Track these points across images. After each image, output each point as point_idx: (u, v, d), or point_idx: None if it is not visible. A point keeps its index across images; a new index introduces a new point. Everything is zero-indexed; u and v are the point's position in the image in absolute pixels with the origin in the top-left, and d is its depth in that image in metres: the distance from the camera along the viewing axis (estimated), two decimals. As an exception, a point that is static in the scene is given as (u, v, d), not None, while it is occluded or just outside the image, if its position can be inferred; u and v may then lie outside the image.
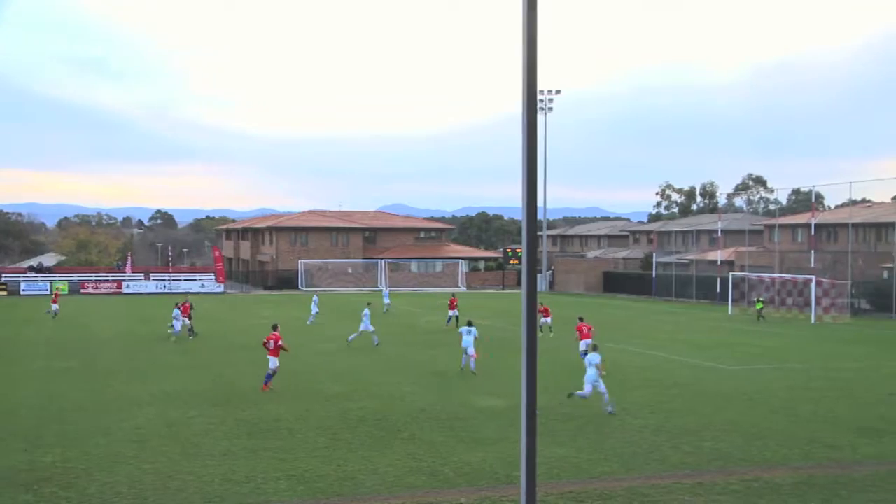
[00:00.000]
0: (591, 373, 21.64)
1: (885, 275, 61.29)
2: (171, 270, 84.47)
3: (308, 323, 46.61)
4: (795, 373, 29.55)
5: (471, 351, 28.84)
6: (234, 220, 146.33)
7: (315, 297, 50.47)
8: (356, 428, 19.84)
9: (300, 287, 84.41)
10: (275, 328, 26.33)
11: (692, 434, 19.40)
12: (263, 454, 17.33)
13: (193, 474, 15.76)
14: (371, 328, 36.19)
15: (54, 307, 51.35)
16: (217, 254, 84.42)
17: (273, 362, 25.15)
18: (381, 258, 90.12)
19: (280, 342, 25.39)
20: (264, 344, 25.72)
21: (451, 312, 46.17)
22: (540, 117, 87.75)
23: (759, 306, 52.90)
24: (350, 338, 36.62)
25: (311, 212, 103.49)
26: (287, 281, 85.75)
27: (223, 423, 20.33)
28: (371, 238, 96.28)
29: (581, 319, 32.68)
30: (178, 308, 39.38)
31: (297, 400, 23.48)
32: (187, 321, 39.54)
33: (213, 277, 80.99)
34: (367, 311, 36.62)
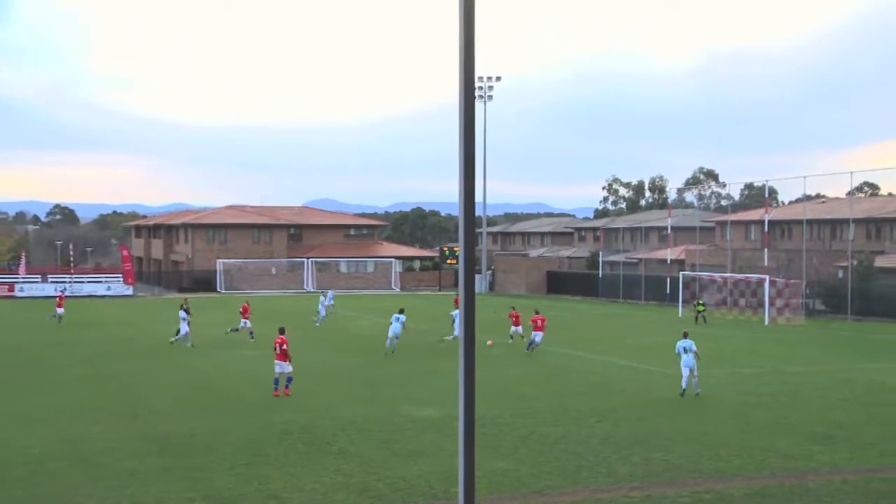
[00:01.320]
0: (687, 358, 25.85)
1: (840, 274, 63.20)
2: (72, 271, 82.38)
3: (317, 324, 48.53)
4: (748, 378, 30.27)
5: (395, 332, 34.59)
6: (144, 216, 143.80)
7: (322, 298, 52.08)
8: (280, 442, 19.68)
9: (218, 289, 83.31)
10: (282, 332, 26.77)
11: (641, 444, 19.72)
12: (176, 473, 17.05)
13: (95, 498, 15.41)
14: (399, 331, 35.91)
15: (59, 311, 50.60)
16: (125, 253, 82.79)
17: (279, 367, 25.72)
18: (308, 258, 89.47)
19: (285, 346, 25.86)
20: (274, 348, 26.29)
21: (453, 314, 46.81)
22: (478, 106, 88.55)
23: (699, 307, 53.91)
24: (388, 344, 35.96)
25: (230, 207, 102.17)
26: (204, 282, 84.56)
27: (130, 440, 19.97)
28: (297, 236, 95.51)
29: (537, 312, 37.11)
30: (184, 309, 39.42)
31: (214, 412, 23.17)
32: (247, 323, 40.57)
33: (121, 279, 79.46)
34: (400, 316, 36.23)
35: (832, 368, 32.88)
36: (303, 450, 19.02)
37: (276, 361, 25.93)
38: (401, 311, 36.07)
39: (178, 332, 39.03)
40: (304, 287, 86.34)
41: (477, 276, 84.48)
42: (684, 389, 26.02)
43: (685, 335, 27.00)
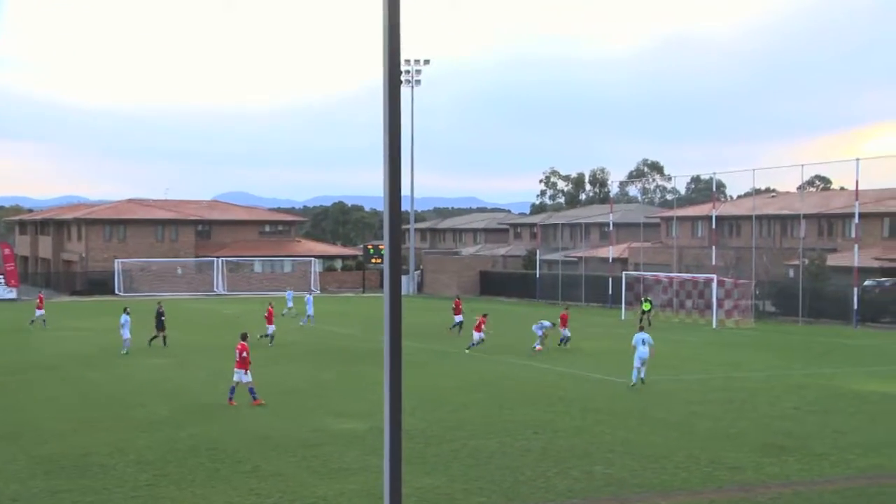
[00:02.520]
0: (643, 350, 29.26)
1: (791, 274, 64.87)
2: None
3: (301, 324, 50.40)
4: (695, 384, 30.89)
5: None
6: (30, 210, 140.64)
7: (309, 297, 53.43)
8: (186, 460, 19.44)
9: (117, 291, 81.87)
10: (243, 338, 27.06)
11: (581, 457, 19.98)
12: (66, 497, 16.72)
13: (-22, 525, 15.03)
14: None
15: (39, 313, 50.43)
16: (7, 251, 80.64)
17: (238, 375, 26.11)
18: (218, 257, 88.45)
19: (245, 354, 26.18)
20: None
21: (456, 318, 48.09)
22: (405, 91, 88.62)
23: (645, 307, 54.69)
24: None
25: (130, 201, 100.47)
26: (100, 284, 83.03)
27: (14, 461, 19.53)
28: (205, 233, 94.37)
29: (485, 315, 40.99)
30: (127, 313, 39.70)
31: (111, 428, 22.77)
32: (272, 328, 42.24)
33: (3, 280, 77.49)
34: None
35: (783, 374, 33.73)
36: (212, 468, 18.82)
37: (234, 369, 26.39)
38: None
39: (160, 335, 40.59)
40: (214, 289, 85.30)
41: (404, 277, 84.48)
42: (634, 383, 29.46)
43: (641, 329, 31.62)
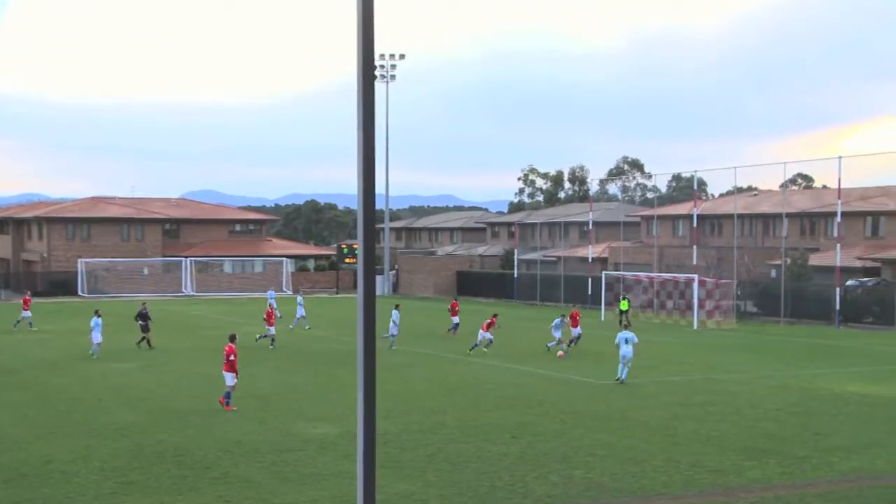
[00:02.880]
0: (627, 349, 30.49)
1: (773, 273, 65.33)
2: None
3: (291, 327, 49.44)
4: (676, 386, 31.06)
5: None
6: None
7: (300, 298, 53.02)
8: (152, 467, 19.34)
9: (80, 292, 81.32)
10: (232, 339, 27.01)
11: (560, 461, 20.04)
12: (31, 505, 16.57)
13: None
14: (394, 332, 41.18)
15: (26, 314, 50.23)
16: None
17: (229, 378, 26.06)
18: (186, 256, 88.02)
19: (232, 357, 26.18)
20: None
21: (454, 320, 48.12)
22: (379, 87, 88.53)
23: (623, 306, 54.96)
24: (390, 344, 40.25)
25: (94, 199, 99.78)
26: (62, 285, 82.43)
27: (-28, 470, 19.31)
28: (173, 232, 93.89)
29: (495, 315, 41.61)
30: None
31: (75, 435, 22.61)
32: (272, 329, 42.12)
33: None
34: (395, 312, 41.94)
35: (764, 375, 33.98)
36: (179, 474, 18.73)
37: (223, 372, 26.47)
38: (396, 307, 42.53)
39: (145, 336, 40.79)
40: (183, 290, 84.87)
41: (378, 277, 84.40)
42: (619, 377, 30.95)
43: (626, 327, 33.04)
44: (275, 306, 57.73)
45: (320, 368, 35.21)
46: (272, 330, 42.14)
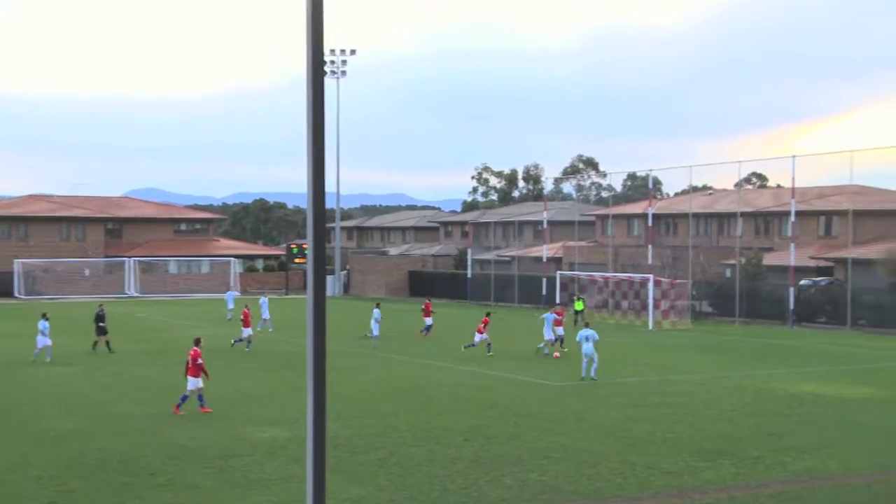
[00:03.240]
0: (588, 347, 31.54)
1: (728, 273, 66.15)
2: None
3: (258, 329, 47.88)
4: (631, 387, 31.34)
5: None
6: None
7: (264, 300, 52.24)
8: (94, 474, 19.13)
9: (17, 294, 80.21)
10: (196, 343, 26.85)
11: (514, 464, 20.14)
12: (-33, 515, 16.34)
13: None
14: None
15: None
16: None
17: (192, 383, 25.83)
18: (130, 257, 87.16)
19: (199, 360, 26.02)
20: (186, 363, 26.41)
21: (427, 321, 48.14)
22: (330, 82, 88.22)
23: (578, 306, 55.31)
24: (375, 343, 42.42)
25: (31, 196, 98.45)
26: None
27: None
28: (116, 231, 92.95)
29: (488, 315, 42.22)
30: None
31: (11, 442, 22.28)
32: (249, 332, 41.89)
33: None
34: (377, 311, 44.45)
35: (720, 376, 34.40)
36: (122, 482, 18.54)
37: (188, 377, 26.07)
38: (377, 306, 45.27)
39: (101, 339, 40.37)
40: (126, 291, 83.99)
41: (329, 278, 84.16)
42: (584, 376, 31.83)
43: (587, 325, 34.16)
44: (231, 307, 56.94)
45: (270, 371, 35.05)
46: (247, 332, 41.81)
